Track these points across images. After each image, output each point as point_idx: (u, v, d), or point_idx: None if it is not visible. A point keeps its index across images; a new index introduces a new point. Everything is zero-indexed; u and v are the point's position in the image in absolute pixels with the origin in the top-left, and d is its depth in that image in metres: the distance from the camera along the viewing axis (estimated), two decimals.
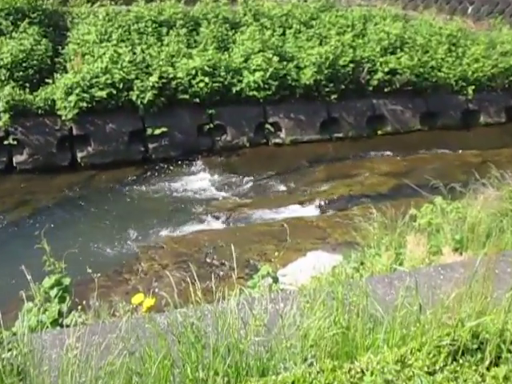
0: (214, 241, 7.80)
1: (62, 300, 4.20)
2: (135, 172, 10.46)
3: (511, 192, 5.64)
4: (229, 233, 8.23)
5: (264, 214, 9.02)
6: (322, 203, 9.31)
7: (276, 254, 5.59)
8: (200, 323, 2.72)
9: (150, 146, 11.00)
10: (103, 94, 10.45)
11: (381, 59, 12.69)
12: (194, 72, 11.29)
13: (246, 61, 11.89)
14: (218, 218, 8.85)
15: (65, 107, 10.26)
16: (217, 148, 11.58)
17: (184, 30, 12.37)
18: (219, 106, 11.52)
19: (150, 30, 12.19)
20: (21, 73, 10.60)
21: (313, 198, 9.57)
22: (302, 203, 9.39)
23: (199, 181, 10.38)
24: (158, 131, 10.90)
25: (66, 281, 4.32)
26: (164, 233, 8.35)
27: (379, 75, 12.52)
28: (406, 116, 12.81)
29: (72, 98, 10.23)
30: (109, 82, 10.61)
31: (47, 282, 4.26)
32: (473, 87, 13.14)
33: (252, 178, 10.49)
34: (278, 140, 11.92)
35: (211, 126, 11.45)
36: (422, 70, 12.82)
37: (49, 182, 9.90)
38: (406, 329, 2.85)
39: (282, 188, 10.20)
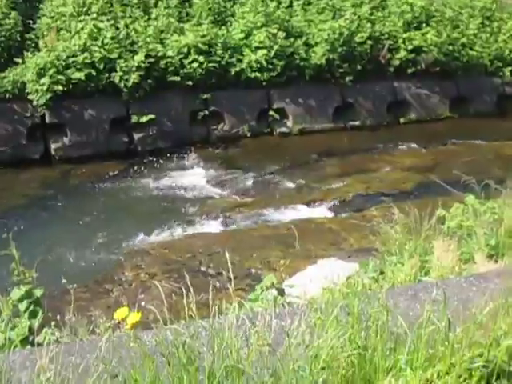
0: (209, 246, 7.79)
1: (33, 315, 4.19)
2: (118, 166, 10.43)
3: None
4: (227, 237, 8.22)
5: (268, 215, 9.03)
6: (336, 203, 9.33)
7: (282, 261, 5.47)
8: (193, 342, 2.72)
9: (136, 136, 11.03)
10: (81, 75, 10.47)
11: (404, 35, 12.65)
12: (186, 50, 11.28)
13: (246, 37, 11.87)
14: (214, 220, 8.88)
15: (36, 91, 10.27)
16: (213, 138, 11.54)
17: (175, 1, 12.33)
18: (216, 89, 11.55)
19: (135, 1, 12.14)
20: None
21: (324, 196, 9.56)
22: (311, 203, 9.39)
23: (192, 176, 10.39)
24: (144, 119, 10.92)
25: (38, 292, 4.33)
26: (152, 237, 8.36)
27: (402, 54, 12.52)
28: (433, 101, 12.85)
29: (45, 80, 10.22)
30: (87, 61, 10.60)
31: (16, 293, 4.26)
32: (510, 68, 13.15)
33: (254, 173, 10.49)
34: (283, 129, 11.90)
35: (206, 112, 11.44)
36: (451, 47, 12.82)
37: (17, 177, 9.85)
38: (433, 348, 2.83)
39: (289, 185, 10.19)
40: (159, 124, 11.18)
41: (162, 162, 10.73)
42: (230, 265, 3.16)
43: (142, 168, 10.52)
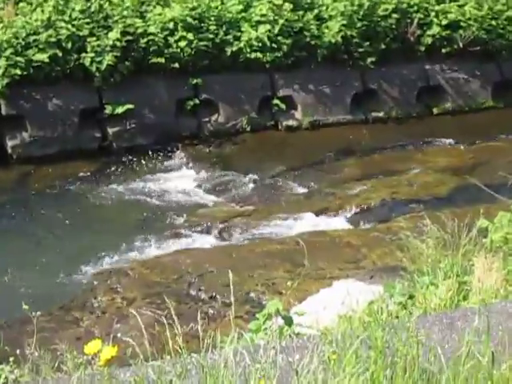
0: (200, 265, 7.78)
1: None
2: (89, 167, 10.48)
3: None
4: (222, 253, 8.19)
5: (272, 226, 8.99)
6: (355, 211, 9.31)
7: (289, 283, 5.63)
8: (181, 382, 2.70)
9: (110, 130, 11.01)
10: (44, 57, 10.42)
11: (436, 7, 12.68)
12: (171, 26, 11.29)
13: (245, 9, 11.86)
14: (206, 233, 8.88)
15: None
16: (204, 133, 11.52)
17: None
18: (208, 73, 11.55)
19: None
20: None
21: (341, 204, 9.53)
22: (325, 211, 9.38)
23: (180, 180, 10.41)
24: (120, 110, 10.87)
25: None
26: (130, 253, 8.35)
27: (434, 30, 12.50)
28: (473, 88, 12.88)
29: (0, 62, 10.19)
30: (52, 40, 10.58)
31: None
32: None
33: (255, 175, 10.45)
34: (291, 122, 11.88)
35: (196, 101, 11.42)
36: (494, 22, 12.78)
37: None
38: None
39: (298, 190, 10.17)
40: (139, 116, 11.14)
41: (142, 162, 10.71)
42: (226, 287, 3.14)
43: (119, 169, 10.53)
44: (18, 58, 10.32)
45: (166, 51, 11.28)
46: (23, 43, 10.44)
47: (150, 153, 10.90)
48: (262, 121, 11.84)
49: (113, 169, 10.54)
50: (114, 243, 8.49)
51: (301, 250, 6.40)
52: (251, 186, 10.27)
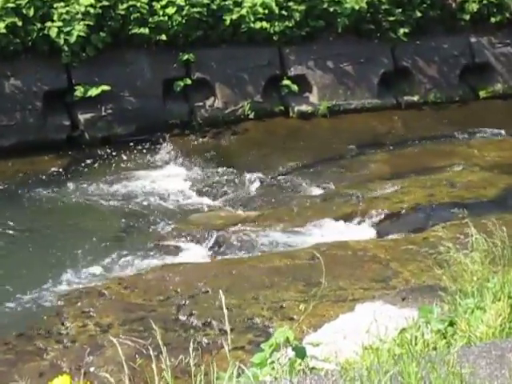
0: (192, 284, 7.78)
1: None
2: (55, 163, 10.60)
3: None
4: (218, 270, 8.20)
5: (281, 236, 8.99)
6: (382, 218, 9.32)
7: (301, 307, 5.06)
8: None
9: (82, 117, 11.08)
10: (0, 27, 10.39)
11: None
12: None
13: None
14: (199, 244, 8.87)
15: None
16: (198, 121, 11.66)
17: None
18: (202, 47, 11.59)
19: None
20: None
21: (366, 208, 9.56)
22: (346, 218, 9.39)
23: (168, 178, 10.47)
24: (94, 92, 10.99)
25: None
26: (106, 269, 8.36)
27: None
28: None
29: None
30: (10, 5, 10.58)
31: None
32: None
33: (260, 173, 10.53)
34: (305, 107, 12.01)
35: (188, 82, 11.50)
36: None
37: None
38: None
39: (313, 191, 10.22)
40: (117, 99, 11.23)
41: (121, 156, 10.90)
42: (224, 311, 3.22)
43: (92, 166, 10.71)
44: None
45: (150, 20, 11.26)
46: None
47: (131, 145, 11.03)
48: (268, 106, 11.94)
49: (85, 165, 10.64)
50: (86, 256, 8.46)
51: (316, 266, 6.69)
52: (255, 186, 10.29)
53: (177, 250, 8.85)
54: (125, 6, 11.15)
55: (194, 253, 8.79)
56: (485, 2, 12.63)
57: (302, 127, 11.67)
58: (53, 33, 10.74)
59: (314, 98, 11.99)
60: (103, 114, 11.16)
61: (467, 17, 12.66)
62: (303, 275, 7.77)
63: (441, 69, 12.53)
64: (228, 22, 11.61)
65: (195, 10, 11.36)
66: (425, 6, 12.43)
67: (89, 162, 10.67)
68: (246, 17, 11.63)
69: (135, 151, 10.93)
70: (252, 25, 11.63)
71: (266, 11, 11.62)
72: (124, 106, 11.25)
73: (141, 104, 11.33)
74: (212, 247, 8.87)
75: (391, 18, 12.16)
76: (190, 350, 2.96)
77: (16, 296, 7.76)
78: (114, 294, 7.76)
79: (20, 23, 10.60)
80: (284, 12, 11.68)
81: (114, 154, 10.86)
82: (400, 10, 12.20)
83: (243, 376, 3.78)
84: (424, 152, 11.14)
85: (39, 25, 10.79)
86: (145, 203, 9.98)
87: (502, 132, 11.67)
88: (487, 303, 4.86)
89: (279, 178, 10.50)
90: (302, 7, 11.76)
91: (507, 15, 12.77)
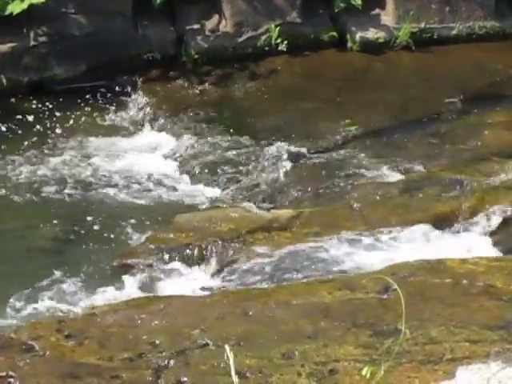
0: (180, 331, 7.34)
1: None
2: None
3: None
4: (224, 308, 7.74)
5: (330, 250, 8.68)
6: (502, 221, 9.05)
7: (365, 372, 5.56)
8: None
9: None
10: None
11: None
12: None
13: None
14: (191, 264, 8.73)
15: None
16: (191, 56, 11.39)
17: None
18: None
19: None
20: None
21: (474, 204, 9.22)
22: (441, 220, 9.08)
23: (142, 153, 10.48)
24: (17, 6, 10.73)
25: None
26: (37, 306, 8.21)
27: None
28: None
29: None
30: None
31: None
32: None
33: (294, 144, 10.16)
34: (373, 34, 11.70)
35: None
36: None
37: None
38: None
39: (385, 175, 9.81)
40: (56, 19, 11.02)
41: (63, 114, 10.87)
42: (234, 379, 3.89)
43: (13, 130, 10.62)
44: None
45: None
46: None
47: (79, 96, 11.06)
48: (311, 31, 11.71)
49: (8, 127, 10.70)
50: (4, 284, 8.51)
51: (391, 302, 6.76)
52: (287, 166, 9.95)
53: (155, 275, 8.66)
54: None
55: (185, 279, 8.60)
56: None
57: (369, 67, 11.47)
58: None
59: (388, 17, 11.73)
60: (32, 43, 10.94)
61: None
62: (369, 318, 7.29)
63: None
64: None
65: None
66: None
67: (8, 124, 10.71)
68: None
69: (86, 106, 10.93)
70: None
71: None
72: (67, 31, 11.03)
73: (96, 26, 11.10)
74: (214, 270, 8.67)
75: None
76: None
77: None
78: (48, 348, 7.26)
79: None
80: None
81: (50, 110, 10.88)
82: None
83: None
84: None
85: None
86: (102, 195, 9.84)
87: None
88: None
89: (328, 153, 10.13)
90: None
91: None
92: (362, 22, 12.01)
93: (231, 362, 3.58)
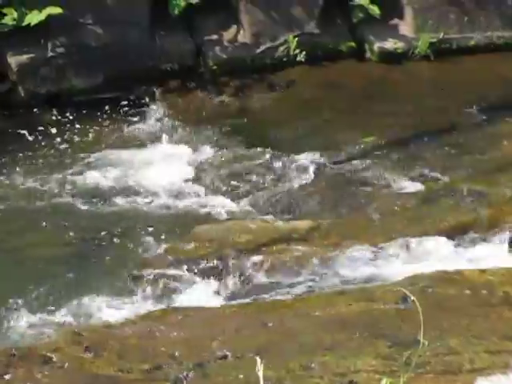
0: (198, 343, 7.49)
1: None
2: None
3: None
4: (243, 320, 7.94)
5: (349, 262, 8.88)
6: None
7: (384, 382, 5.63)
8: None
9: (13, 60, 11.20)
10: None
11: None
12: None
13: None
14: (210, 276, 8.81)
15: None
16: (210, 67, 11.53)
17: None
18: None
19: None
20: None
21: (494, 215, 9.50)
22: (460, 231, 9.31)
23: (159, 164, 10.52)
24: (35, 17, 10.91)
25: None
26: (55, 318, 8.41)
27: None
28: None
29: None
30: None
31: None
32: None
33: (314, 155, 10.37)
34: (392, 44, 11.87)
35: (193, 0, 11.23)
36: None
37: None
38: None
39: (404, 186, 10.04)
40: (73, 30, 11.12)
41: (80, 126, 10.97)
42: None
43: (30, 142, 10.74)
44: None
45: None
46: None
47: (97, 108, 11.07)
48: (330, 41, 11.79)
49: (17, 141, 10.70)
50: (22, 296, 8.60)
51: (410, 314, 6.81)
52: (307, 177, 10.12)
53: (173, 287, 8.79)
54: None
55: (203, 291, 8.72)
56: None
57: (387, 77, 11.69)
58: None
59: (407, 27, 11.94)
60: (50, 54, 11.03)
61: None
62: (387, 329, 7.47)
63: None
64: None
65: None
66: None
67: (25, 135, 10.81)
68: None
69: (104, 117, 11.04)
70: None
71: None
72: (85, 42, 11.18)
73: (113, 37, 11.25)
74: (232, 281, 8.85)
75: None
76: None
77: None
78: (67, 360, 7.46)
79: None
80: None
81: (66, 122, 10.98)
82: None
83: None
84: None
85: None
86: (120, 206, 10.00)
87: None
88: None
89: (346, 164, 10.32)
90: None
91: None
92: (381, 33, 12.20)
93: (260, 374, 3.59)
